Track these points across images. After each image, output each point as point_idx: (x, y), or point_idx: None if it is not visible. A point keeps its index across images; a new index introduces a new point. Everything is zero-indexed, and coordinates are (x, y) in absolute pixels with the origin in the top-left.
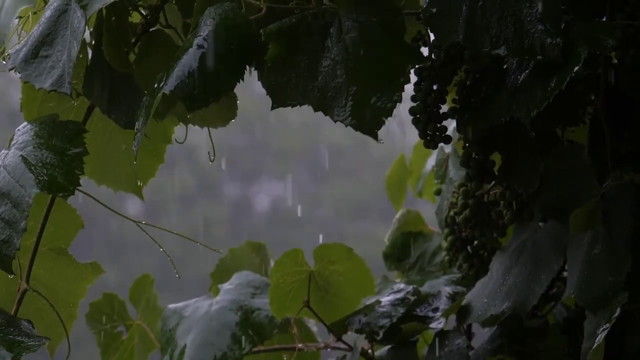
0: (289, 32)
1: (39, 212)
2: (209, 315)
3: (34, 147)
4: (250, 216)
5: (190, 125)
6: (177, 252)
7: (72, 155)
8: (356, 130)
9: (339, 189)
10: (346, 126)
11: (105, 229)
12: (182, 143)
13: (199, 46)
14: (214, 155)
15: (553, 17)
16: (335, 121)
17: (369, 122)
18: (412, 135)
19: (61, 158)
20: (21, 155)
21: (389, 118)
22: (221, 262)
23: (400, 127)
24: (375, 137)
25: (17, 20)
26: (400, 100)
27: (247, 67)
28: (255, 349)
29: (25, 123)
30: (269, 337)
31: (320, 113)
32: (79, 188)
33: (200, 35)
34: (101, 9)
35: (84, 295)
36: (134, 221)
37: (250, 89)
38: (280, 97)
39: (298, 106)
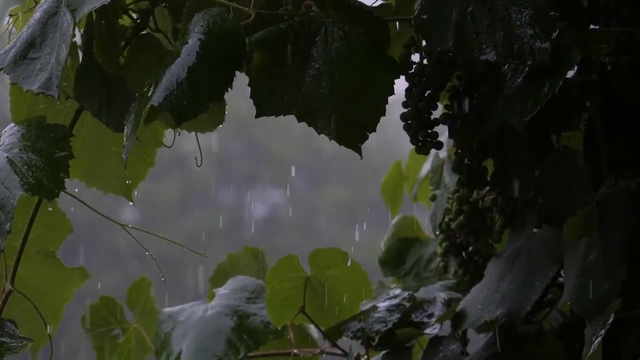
0: (275, 40)
1: (29, 214)
2: (204, 320)
3: (20, 150)
4: (247, 223)
5: (186, 134)
6: (176, 257)
7: (58, 159)
8: (340, 145)
9: (335, 195)
10: (330, 140)
11: (107, 234)
12: (170, 147)
13: (187, 54)
14: (201, 161)
15: (542, 22)
16: (319, 133)
17: (352, 136)
18: (409, 142)
19: (47, 161)
20: (7, 157)
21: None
22: (220, 267)
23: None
24: (359, 151)
25: (7, 19)
26: (384, 114)
27: (240, 72)
28: (251, 353)
29: (12, 125)
30: (264, 343)
31: None
32: (72, 194)
33: (188, 42)
34: (91, 12)
35: (70, 299)
36: (121, 225)
37: (247, 95)
38: (264, 106)
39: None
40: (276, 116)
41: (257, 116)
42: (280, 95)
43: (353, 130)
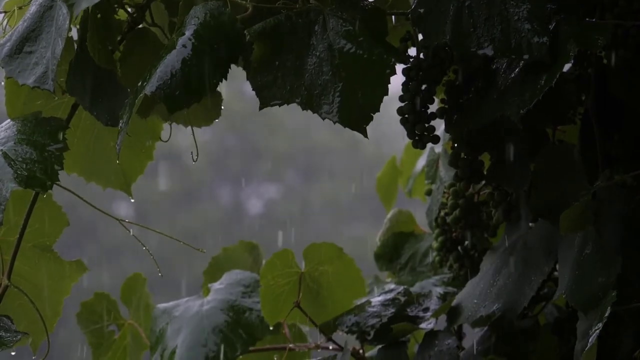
0: (274, 31)
1: (25, 208)
2: (200, 316)
3: (15, 143)
4: (243, 219)
5: (183, 130)
6: (172, 253)
7: (52, 151)
8: (345, 127)
9: (330, 191)
10: (334, 123)
11: (103, 230)
12: (166, 141)
13: (183, 46)
14: (197, 155)
15: (540, 17)
16: (324, 118)
17: (357, 118)
18: (404, 136)
19: (41, 153)
20: (2, 150)
21: (376, 114)
22: (214, 260)
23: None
24: (364, 132)
25: (1, 14)
26: (386, 94)
27: (236, 66)
28: None
29: (9, 120)
30: (260, 338)
31: (310, 114)
32: (69, 189)
33: (184, 34)
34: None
35: (68, 292)
36: (117, 219)
37: (241, 90)
38: (267, 96)
39: (286, 105)
40: (280, 106)
41: (261, 108)
42: (282, 85)
43: (357, 112)
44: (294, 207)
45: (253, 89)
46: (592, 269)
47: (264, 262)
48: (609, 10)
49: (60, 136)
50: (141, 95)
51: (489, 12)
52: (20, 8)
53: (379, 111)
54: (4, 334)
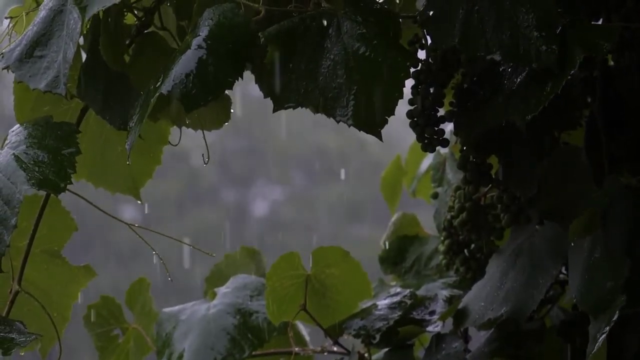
0: (288, 34)
1: (33, 214)
2: (207, 319)
3: (27, 147)
4: (248, 221)
5: (186, 131)
6: (176, 257)
7: (65, 155)
8: (360, 130)
9: (335, 193)
10: (349, 127)
11: (109, 234)
12: (175, 145)
13: (198, 46)
14: (208, 159)
15: (549, 24)
16: (338, 122)
17: (371, 121)
18: (409, 138)
19: (54, 157)
20: (14, 154)
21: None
22: (216, 267)
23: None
24: (379, 136)
25: (7, 20)
26: (401, 97)
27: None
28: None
29: (19, 124)
30: (267, 341)
31: (315, 116)
32: (77, 193)
33: (199, 35)
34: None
35: (76, 298)
36: (127, 224)
37: (247, 92)
38: (280, 99)
39: (300, 108)
40: (293, 109)
41: (274, 110)
42: (296, 88)
43: (372, 115)
44: (299, 209)
45: (266, 92)
46: (600, 273)
47: (267, 268)
48: (615, 11)
49: (73, 140)
50: (157, 95)
51: (498, 18)
52: (27, 14)
53: (394, 114)
54: (17, 336)
